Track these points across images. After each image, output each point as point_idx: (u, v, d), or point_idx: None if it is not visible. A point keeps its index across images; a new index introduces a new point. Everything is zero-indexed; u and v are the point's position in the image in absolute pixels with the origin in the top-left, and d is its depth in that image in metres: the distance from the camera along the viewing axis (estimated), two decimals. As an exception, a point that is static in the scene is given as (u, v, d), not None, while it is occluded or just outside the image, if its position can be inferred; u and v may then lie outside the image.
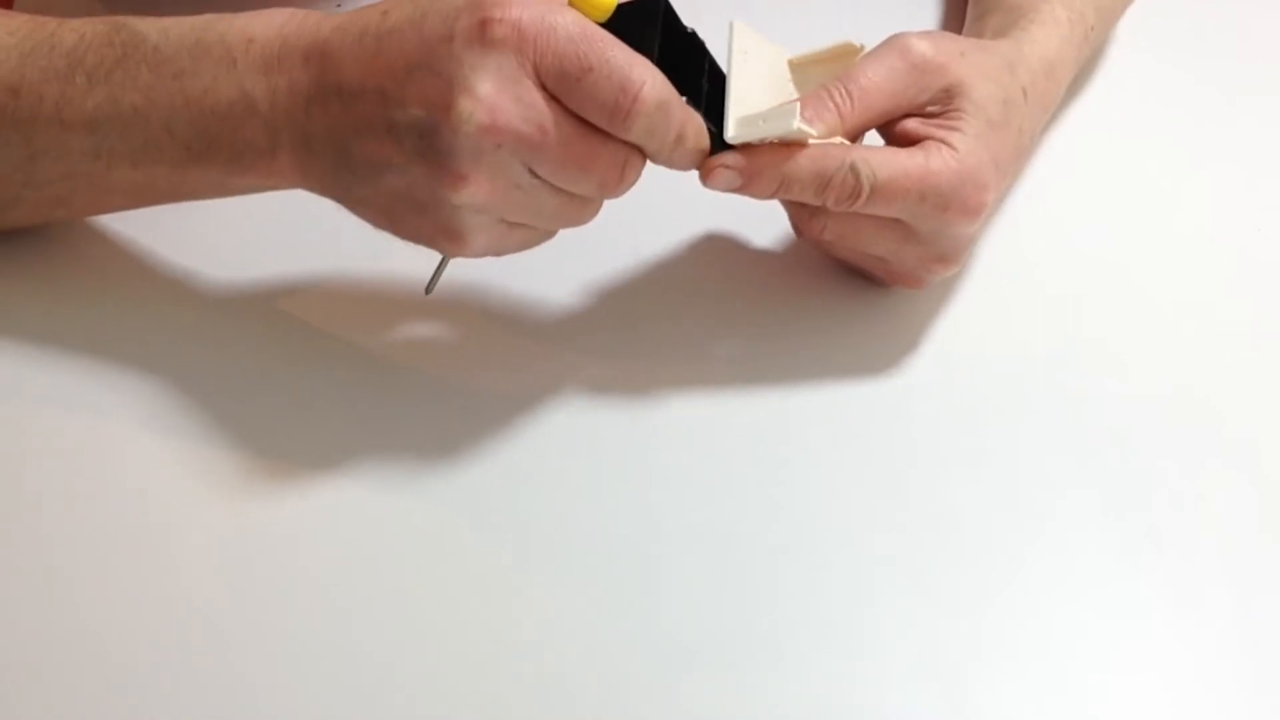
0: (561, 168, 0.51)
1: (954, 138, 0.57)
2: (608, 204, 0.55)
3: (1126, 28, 0.81)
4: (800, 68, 0.59)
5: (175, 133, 0.54)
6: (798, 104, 0.54)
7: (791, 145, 0.55)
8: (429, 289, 0.58)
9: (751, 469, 0.57)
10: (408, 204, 0.52)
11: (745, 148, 0.54)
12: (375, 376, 0.59)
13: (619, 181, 0.52)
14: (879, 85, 0.57)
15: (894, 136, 0.58)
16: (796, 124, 0.53)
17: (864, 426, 0.59)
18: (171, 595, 0.51)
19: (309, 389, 0.58)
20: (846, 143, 0.56)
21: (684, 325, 0.62)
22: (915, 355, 0.62)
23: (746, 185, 0.55)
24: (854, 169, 0.55)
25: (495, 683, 0.50)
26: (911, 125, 0.58)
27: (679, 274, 0.64)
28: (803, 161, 0.55)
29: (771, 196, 0.56)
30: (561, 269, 0.62)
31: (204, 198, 0.58)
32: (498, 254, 0.55)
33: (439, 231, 0.52)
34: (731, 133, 0.54)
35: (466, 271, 0.60)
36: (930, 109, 0.58)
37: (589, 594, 0.52)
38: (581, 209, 0.54)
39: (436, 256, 0.56)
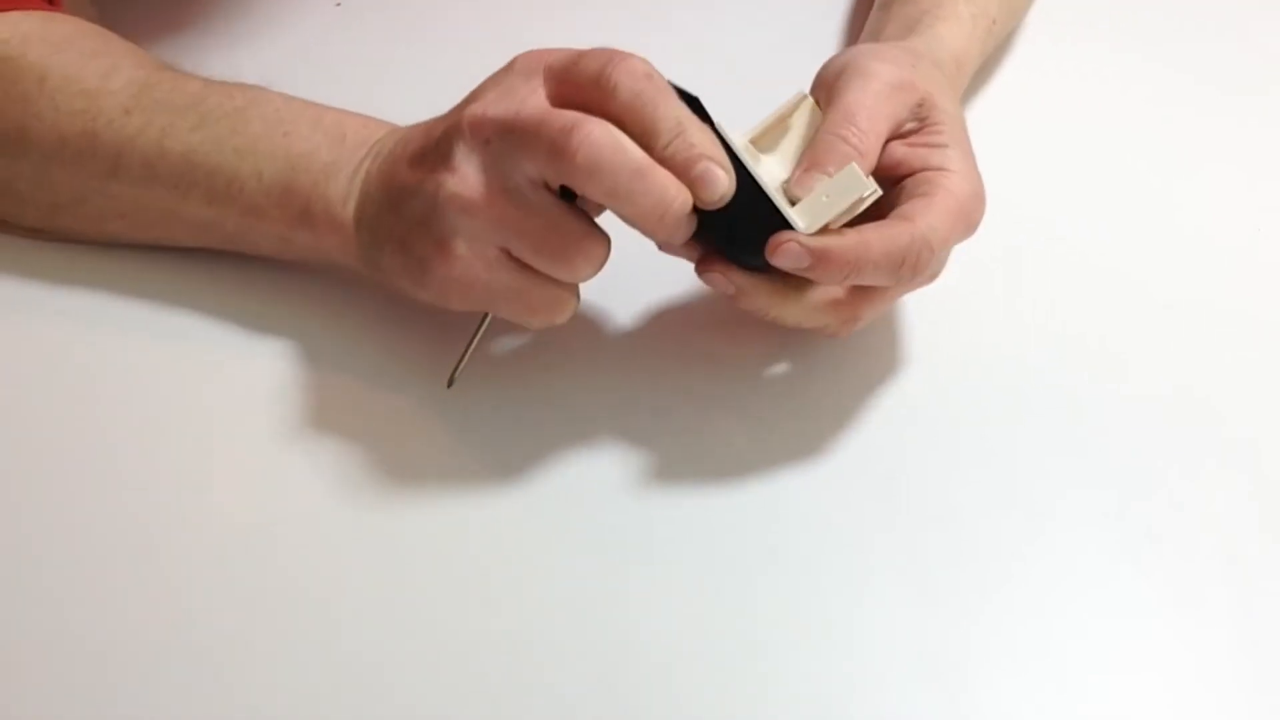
0: (534, 141, 0.49)
1: (950, 157, 0.56)
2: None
3: (1126, 28, 0.81)
4: (764, 141, 0.56)
5: (264, 178, 0.57)
6: (854, 165, 0.52)
7: (860, 230, 0.52)
8: (451, 382, 0.58)
9: (750, 469, 0.57)
10: (414, 223, 0.53)
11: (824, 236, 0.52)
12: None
13: (588, 144, 0.49)
14: (876, 111, 0.55)
15: (890, 168, 0.56)
16: (869, 183, 0.51)
17: (864, 426, 0.59)
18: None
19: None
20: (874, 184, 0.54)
21: (682, 330, 0.62)
22: (915, 356, 0.62)
23: (814, 269, 0.52)
24: (925, 237, 0.53)
25: (493, 682, 0.50)
26: (900, 152, 0.56)
27: (681, 288, 0.64)
28: (875, 244, 0.52)
29: (840, 283, 0.54)
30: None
31: (254, 252, 0.60)
32: (483, 299, 0.53)
33: (433, 246, 0.52)
34: (804, 224, 0.52)
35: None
36: (911, 127, 0.57)
37: (584, 594, 0.52)
38: (571, 243, 0.51)
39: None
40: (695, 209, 0.51)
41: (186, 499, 0.55)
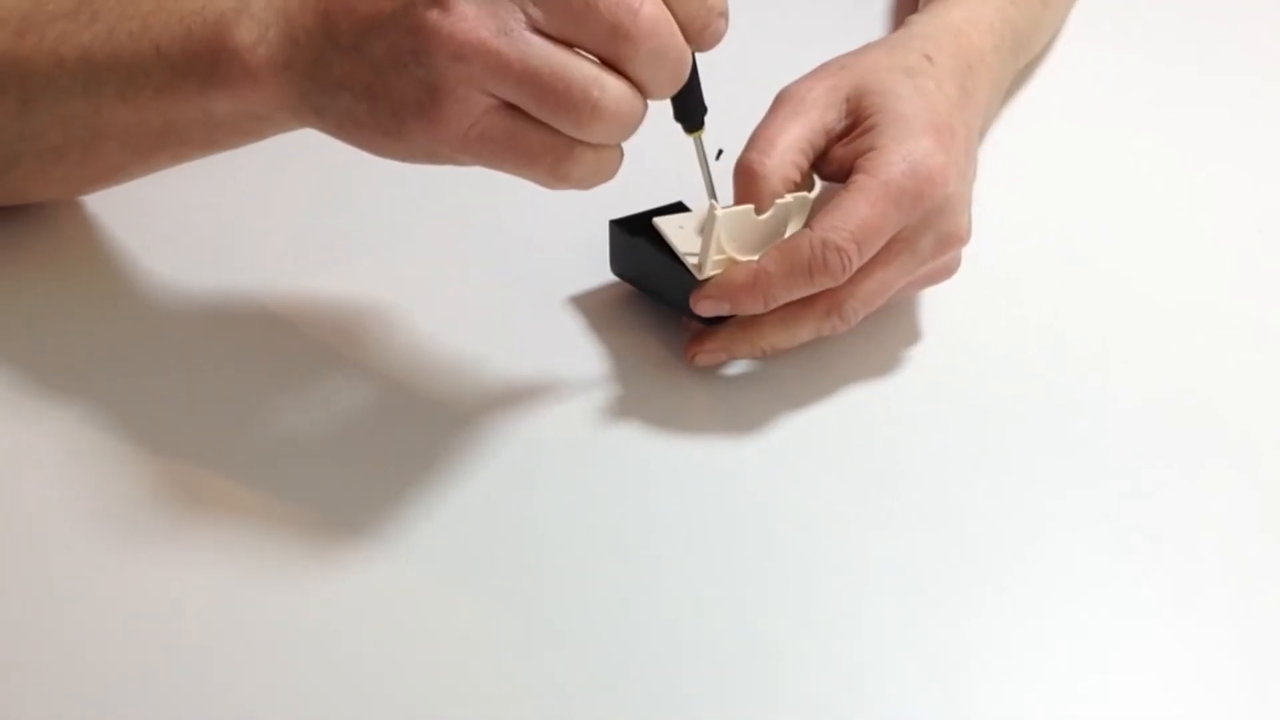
0: (586, 9, 0.46)
1: (877, 138, 0.57)
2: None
3: (1128, 29, 0.81)
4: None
5: (163, 49, 0.53)
6: (711, 202, 0.55)
7: (765, 254, 0.56)
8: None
9: (749, 470, 0.57)
10: (388, 65, 0.47)
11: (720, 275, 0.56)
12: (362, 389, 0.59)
13: (653, 29, 0.46)
14: (781, 127, 0.58)
15: (835, 173, 0.59)
16: (718, 211, 0.55)
17: (864, 426, 0.59)
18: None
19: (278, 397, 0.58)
20: (792, 198, 0.57)
21: (679, 331, 0.62)
22: (916, 356, 0.62)
23: (735, 304, 0.56)
24: (824, 240, 0.55)
25: (491, 686, 0.50)
26: (839, 154, 0.59)
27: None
28: (771, 265, 0.56)
29: (765, 307, 0.56)
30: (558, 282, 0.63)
31: (190, 146, 0.56)
32: (479, 153, 0.48)
33: (421, 91, 0.46)
34: (700, 272, 0.56)
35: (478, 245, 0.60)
36: (844, 125, 0.59)
37: (584, 595, 0.52)
38: (580, 109, 0.47)
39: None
40: (641, 284, 0.61)
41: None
